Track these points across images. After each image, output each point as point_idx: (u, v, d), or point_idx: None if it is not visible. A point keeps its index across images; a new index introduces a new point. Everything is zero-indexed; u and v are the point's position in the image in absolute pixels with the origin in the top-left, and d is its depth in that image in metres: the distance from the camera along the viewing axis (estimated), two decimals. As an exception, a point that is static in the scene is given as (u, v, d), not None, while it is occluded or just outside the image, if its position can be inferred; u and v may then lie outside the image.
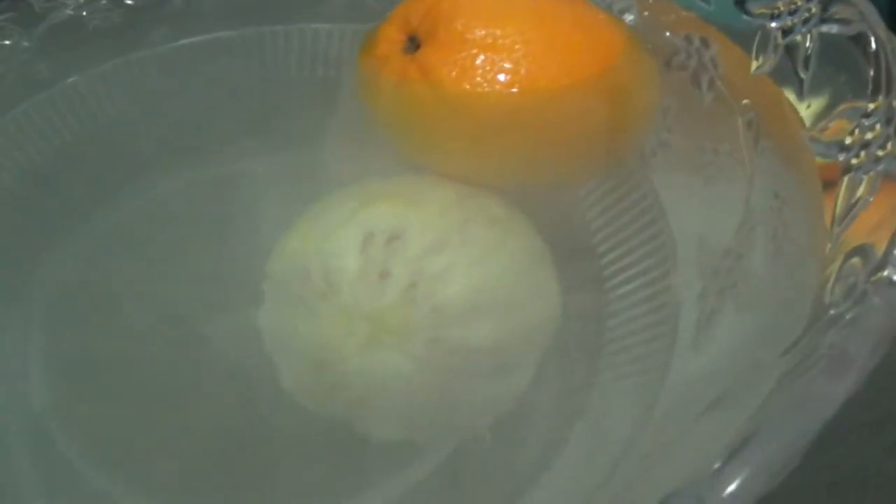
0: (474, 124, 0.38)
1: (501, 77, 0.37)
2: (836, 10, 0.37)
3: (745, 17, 0.40)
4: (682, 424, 0.34)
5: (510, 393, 0.38)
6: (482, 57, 0.37)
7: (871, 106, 0.34)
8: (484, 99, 0.37)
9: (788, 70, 0.38)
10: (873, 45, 0.35)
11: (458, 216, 0.38)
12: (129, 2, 0.50)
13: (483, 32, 0.38)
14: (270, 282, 0.40)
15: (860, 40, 0.35)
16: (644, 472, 0.33)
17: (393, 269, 0.36)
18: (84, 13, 0.49)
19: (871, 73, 0.34)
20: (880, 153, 0.33)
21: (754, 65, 0.40)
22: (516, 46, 0.37)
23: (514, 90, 0.37)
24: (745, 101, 0.40)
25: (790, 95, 0.38)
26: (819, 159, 0.36)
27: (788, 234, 0.36)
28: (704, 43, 0.42)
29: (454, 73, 0.37)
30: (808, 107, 0.37)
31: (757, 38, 0.40)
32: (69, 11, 0.49)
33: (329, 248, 0.37)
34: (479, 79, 0.37)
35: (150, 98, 0.50)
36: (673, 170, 0.42)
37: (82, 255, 0.46)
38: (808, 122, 0.37)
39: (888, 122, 0.33)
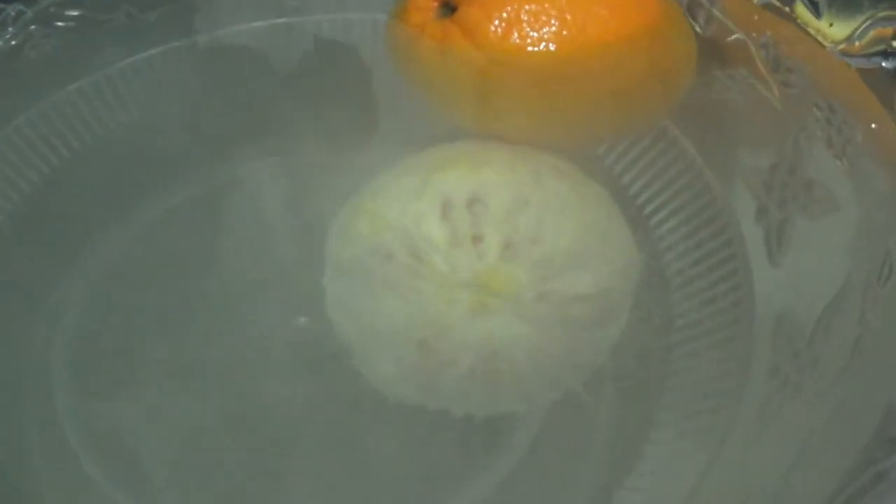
0: (524, 80, 0.38)
1: (548, 27, 0.37)
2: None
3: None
4: (803, 334, 0.36)
5: (607, 343, 0.38)
6: (526, 7, 0.37)
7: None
8: (532, 52, 0.37)
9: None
10: (891, -44, 0.37)
11: (527, 170, 0.38)
12: (60, 24, 0.46)
13: None
14: (337, 272, 0.38)
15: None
16: (790, 388, 0.35)
17: (484, 232, 0.36)
18: (13, 42, 0.46)
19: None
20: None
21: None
22: None
23: (563, 37, 0.37)
24: (752, 29, 0.42)
25: (808, 17, 0.40)
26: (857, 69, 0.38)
27: (847, 139, 0.38)
28: (697, -20, 0.44)
29: (500, 28, 0.37)
30: (831, 25, 0.39)
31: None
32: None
33: (407, 223, 0.36)
34: (526, 29, 0.37)
35: (133, 116, 0.47)
36: (688, 105, 0.43)
37: (106, 268, 0.43)
38: (834, 39, 0.39)
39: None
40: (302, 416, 0.39)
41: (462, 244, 0.35)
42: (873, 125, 0.38)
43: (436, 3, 0.39)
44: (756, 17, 0.42)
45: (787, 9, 0.41)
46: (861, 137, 0.38)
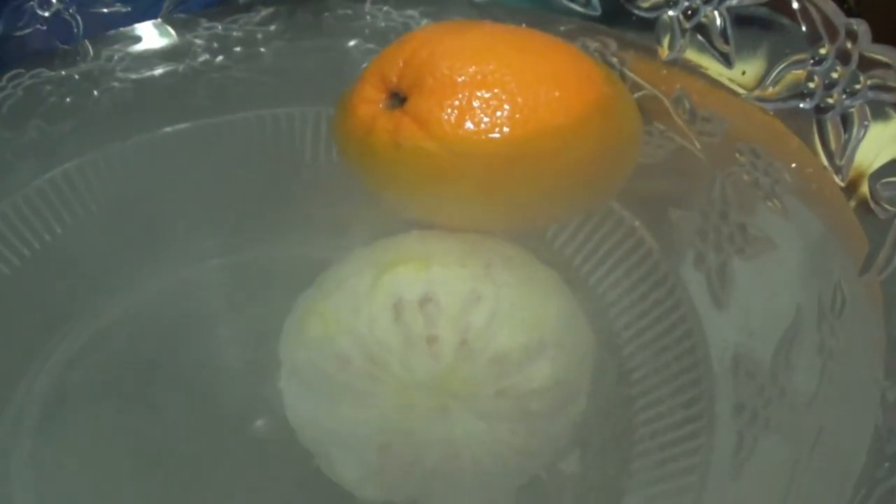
0: (478, 167, 0.36)
1: (501, 111, 0.36)
2: (740, -18, 0.40)
3: (636, 12, 0.43)
4: (762, 369, 0.36)
5: (569, 425, 0.37)
6: (478, 93, 0.36)
7: (822, 51, 0.37)
8: (487, 138, 0.36)
9: (708, 47, 0.41)
10: (795, 4, 0.38)
11: (478, 263, 0.36)
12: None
13: (472, 69, 0.36)
14: (293, 376, 0.36)
15: (777, 3, 0.39)
16: (760, 423, 0.35)
17: (439, 331, 0.34)
18: None
19: (804, 27, 0.38)
20: (857, 87, 0.36)
21: (666, 52, 0.42)
22: (507, 78, 0.36)
23: (517, 121, 0.36)
24: (663, 84, 0.42)
25: (719, 68, 0.41)
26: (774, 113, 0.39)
27: (775, 179, 0.39)
28: (603, 44, 0.44)
29: (454, 115, 0.36)
30: (744, 73, 0.40)
31: (657, 27, 0.42)
32: None
33: (361, 326, 0.35)
34: (479, 115, 0.36)
35: (59, 232, 0.44)
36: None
37: (74, 361, 0.41)
38: (749, 86, 0.40)
39: (845, 62, 0.37)
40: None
41: (417, 346, 0.34)
42: (795, 165, 0.38)
43: (383, 95, 0.38)
44: (665, 72, 0.42)
45: (694, 62, 0.41)
46: (788, 176, 0.38)
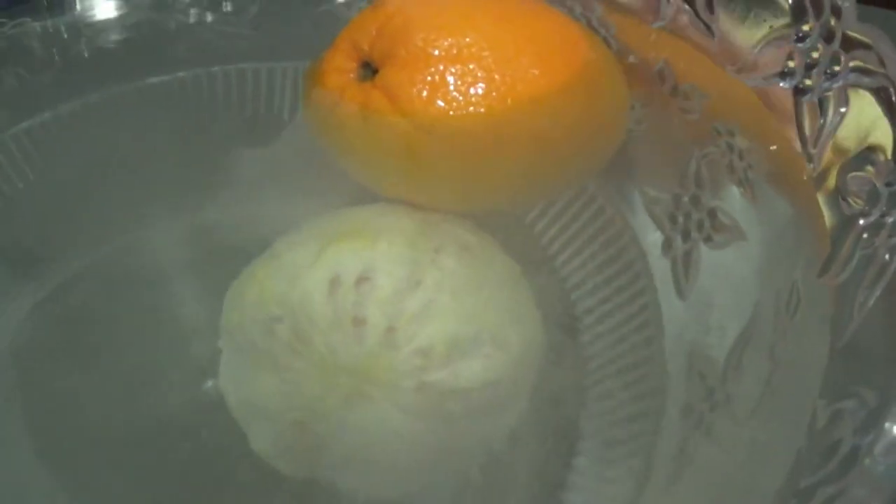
0: (451, 145, 0.33)
1: (476, 88, 0.32)
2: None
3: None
4: (715, 370, 0.32)
5: (504, 428, 0.34)
6: (452, 69, 0.32)
7: (805, 28, 0.33)
8: (459, 116, 0.32)
9: (693, 17, 0.36)
10: (782, -27, 0.33)
11: (427, 247, 0.33)
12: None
13: (447, 43, 0.32)
14: (228, 338, 0.34)
15: (766, -28, 0.34)
16: (702, 429, 0.31)
17: (367, 314, 0.31)
18: None
19: (790, 0, 0.33)
20: (837, 68, 0.31)
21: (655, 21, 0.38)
22: (484, 53, 0.32)
23: (492, 98, 0.32)
24: (648, 52, 0.38)
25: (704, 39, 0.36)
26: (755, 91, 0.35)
27: (749, 164, 0.34)
28: (587, 6, 0.39)
29: (425, 91, 0.32)
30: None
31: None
32: None
33: (294, 297, 0.32)
34: (453, 93, 0.32)
35: (29, 181, 0.42)
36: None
37: (12, 336, 0.39)
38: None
39: (828, 40, 0.32)
40: (189, 488, 0.36)
41: (343, 326, 0.31)
42: (773, 147, 0.34)
43: (355, 64, 0.34)
44: (653, 38, 0.38)
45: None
46: (762, 161, 0.34)
